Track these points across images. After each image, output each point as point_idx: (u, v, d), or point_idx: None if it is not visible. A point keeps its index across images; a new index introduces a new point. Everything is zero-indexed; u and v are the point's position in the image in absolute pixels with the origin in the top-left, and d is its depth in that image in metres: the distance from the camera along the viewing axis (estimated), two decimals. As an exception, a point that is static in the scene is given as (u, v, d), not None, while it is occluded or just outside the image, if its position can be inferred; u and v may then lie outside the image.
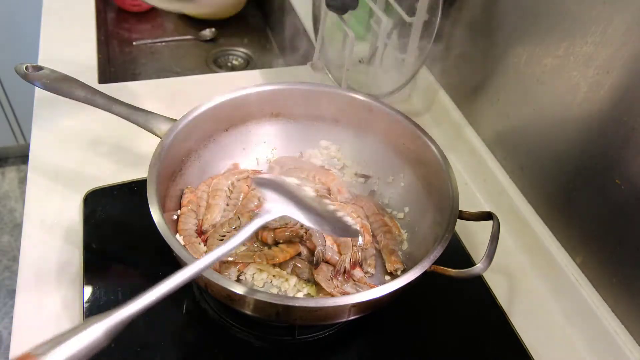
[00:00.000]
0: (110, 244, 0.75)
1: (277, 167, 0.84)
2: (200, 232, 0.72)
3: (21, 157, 2.25)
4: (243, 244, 0.65)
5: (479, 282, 0.78)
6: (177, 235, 0.70)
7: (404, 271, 0.70)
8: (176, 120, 0.71)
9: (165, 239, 0.57)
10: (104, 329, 0.36)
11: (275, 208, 0.55)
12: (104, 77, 1.07)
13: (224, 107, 0.77)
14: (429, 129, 0.77)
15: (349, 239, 0.72)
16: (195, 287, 0.72)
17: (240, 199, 0.78)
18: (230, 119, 0.81)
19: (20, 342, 0.64)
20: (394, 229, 0.77)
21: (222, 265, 0.69)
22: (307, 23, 1.31)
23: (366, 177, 0.85)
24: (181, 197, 0.75)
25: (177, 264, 0.60)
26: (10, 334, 0.65)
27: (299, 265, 0.70)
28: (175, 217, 0.73)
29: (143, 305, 0.39)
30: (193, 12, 1.44)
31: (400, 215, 0.81)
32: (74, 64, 1.05)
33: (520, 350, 0.72)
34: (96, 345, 0.35)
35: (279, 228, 0.71)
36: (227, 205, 0.77)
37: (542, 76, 0.77)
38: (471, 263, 0.80)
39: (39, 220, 0.78)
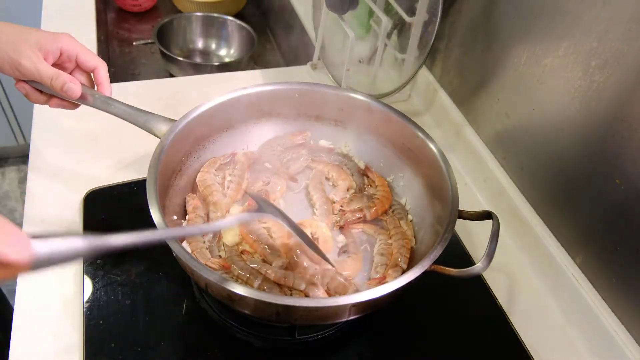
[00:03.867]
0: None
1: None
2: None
3: (21, 157, 2.25)
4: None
5: (478, 281, 0.78)
6: (184, 243, 0.70)
7: (404, 271, 0.70)
8: (176, 120, 0.71)
9: (166, 239, 0.57)
10: (85, 244, 0.38)
11: (267, 211, 0.60)
12: (103, 77, 1.07)
13: (223, 107, 0.77)
14: (429, 129, 0.77)
15: None
16: (196, 287, 0.72)
17: (237, 182, 0.78)
18: (230, 119, 0.81)
19: (20, 342, 0.64)
20: (408, 232, 0.76)
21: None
22: (307, 23, 1.31)
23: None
24: (181, 198, 0.75)
25: (177, 264, 0.60)
26: (10, 334, 0.65)
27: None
28: (174, 217, 0.72)
29: (114, 243, 0.41)
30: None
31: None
32: (74, 64, 1.05)
33: (520, 350, 0.72)
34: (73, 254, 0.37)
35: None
36: (228, 189, 0.77)
37: (542, 76, 0.77)
38: (471, 262, 0.80)
39: (39, 220, 0.78)
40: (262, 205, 0.61)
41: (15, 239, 0.33)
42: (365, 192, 0.82)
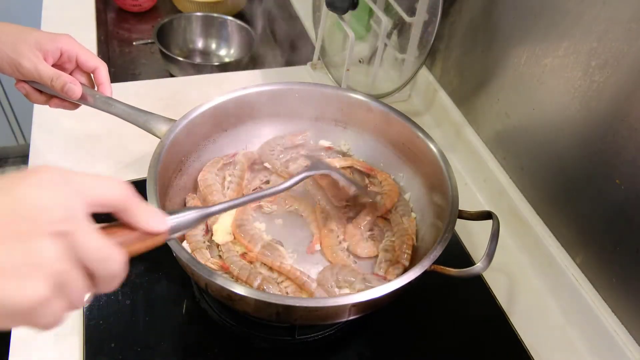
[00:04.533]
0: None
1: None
2: (207, 232, 0.73)
3: (21, 157, 2.25)
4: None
5: (478, 281, 0.78)
6: (184, 243, 0.70)
7: (405, 271, 0.70)
8: (176, 120, 0.72)
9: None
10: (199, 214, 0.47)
11: (320, 167, 0.70)
12: (103, 77, 1.07)
13: (223, 107, 0.77)
14: (429, 129, 0.77)
15: None
16: (196, 287, 0.72)
17: (237, 182, 0.78)
18: (230, 119, 0.81)
19: (20, 341, 0.64)
20: (410, 229, 0.76)
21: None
22: (307, 23, 1.31)
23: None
24: (181, 198, 0.75)
25: (177, 264, 0.60)
26: (10, 334, 0.65)
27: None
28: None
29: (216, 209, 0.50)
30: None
31: (400, 215, 0.81)
32: (74, 64, 1.05)
33: (520, 350, 0.72)
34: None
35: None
36: (228, 189, 0.77)
37: (542, 76, 0.77)
38: (471, 262, 0.80)
39: (39, 220, 0.77)
40: (316, 163, 0.69)
41: (158, 214, 0.41)
42: (369, 189, 0.82)
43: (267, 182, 0.81)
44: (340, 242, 0.74)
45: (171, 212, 0.44)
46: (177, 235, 0.44)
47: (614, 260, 0.69)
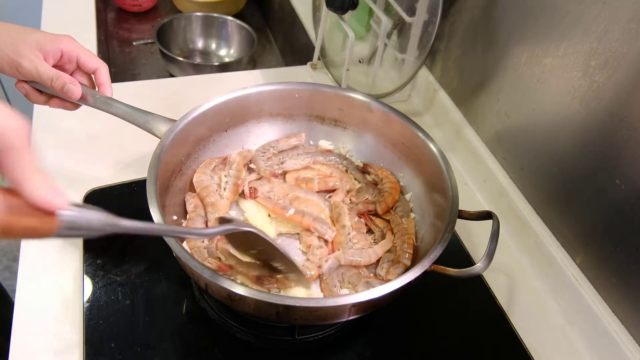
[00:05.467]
0: (110, 244, 0.75)
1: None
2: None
3: (21, 157, 2.25)
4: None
5: (478, 281, 0.78)
6: (184, 243, 0.70)
7: (406, 270, 0.70)
8: (176, 120, 0.72)
9: (165, 240, 0.57)
10: (102, 218, 0.38)
11: (245, 226, 0.59)
12: (103, 77, 1.07)
13: (223, 107, 0.77)
14: (429, 129, 0.77)
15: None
16: (196, 288, 0.72)
17: (233, 182, 0.78)
18: (230, 119, 0.81)
19: (20, 342, 0.64)
20: (410, 230, 0.76)
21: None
22: (307, 23, 1.32)
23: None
24: (181, 198, 0.75)
25: (177, 264, 0.60)
26: (10, 331, 0.65)
27: None
28: (174, 217, 0.73)
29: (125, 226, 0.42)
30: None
31: (400, 215, 0.81)
32: (74, 64, 1.05)
33: (520, 350, 0.72)
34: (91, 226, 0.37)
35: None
36: (225, 190, 0.77)
37: (542, 76, 0.77)
38: (471, 262, 0.80)
39: (39, 220, 0.77)
40: (237, 223, 0.60)
41: (55, 187, 0.32)
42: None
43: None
44: (350, 239, 0.74)
45: (74, 203, 0.35)
46: (70, 234, 0.35)
47: (614, 260, 0.69)
